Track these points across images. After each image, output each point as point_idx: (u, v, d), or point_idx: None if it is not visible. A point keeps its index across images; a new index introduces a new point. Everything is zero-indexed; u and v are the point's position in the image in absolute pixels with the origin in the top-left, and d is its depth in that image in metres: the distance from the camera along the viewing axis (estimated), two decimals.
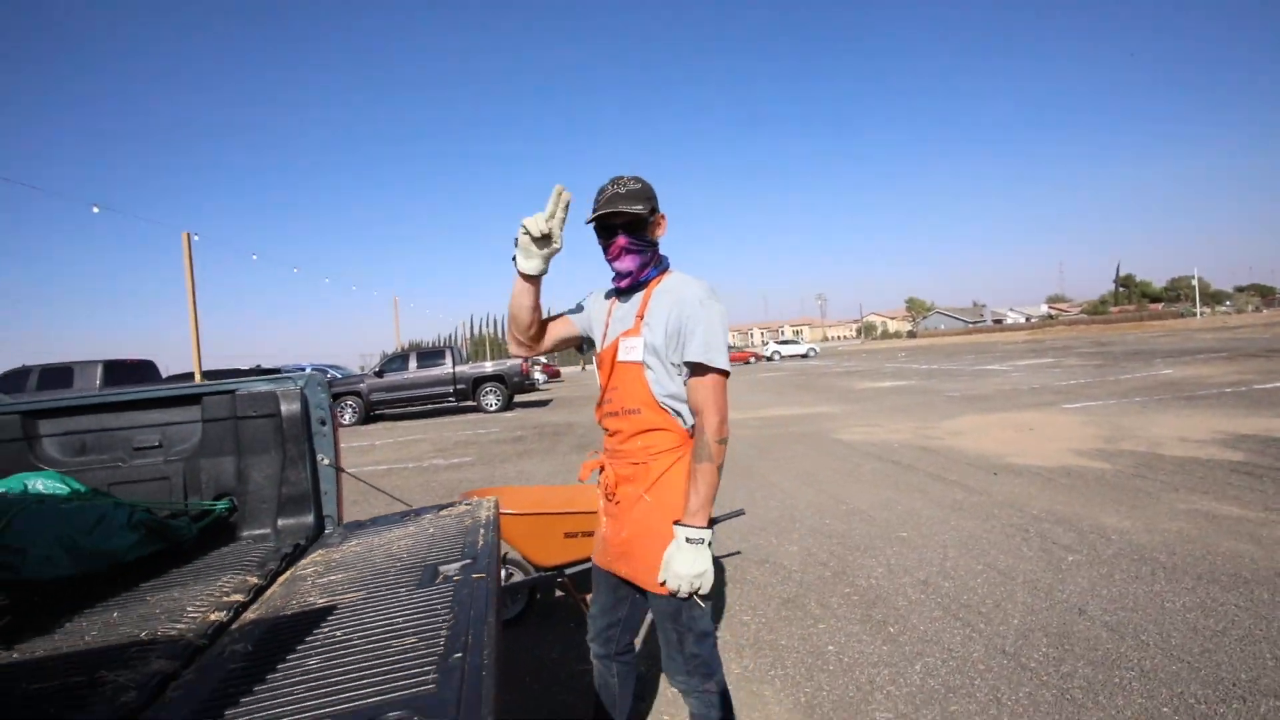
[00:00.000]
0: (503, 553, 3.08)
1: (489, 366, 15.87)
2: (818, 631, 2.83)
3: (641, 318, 1.64)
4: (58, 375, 11.51)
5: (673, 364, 1.60)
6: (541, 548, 2.92)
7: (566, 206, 1.54)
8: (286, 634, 1.22)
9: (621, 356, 1.66)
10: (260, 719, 0.91)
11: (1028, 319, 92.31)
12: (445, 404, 15.88)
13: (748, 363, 41.53)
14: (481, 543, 1.64)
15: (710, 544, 1.53)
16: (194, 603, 1.47)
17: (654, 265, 1.69)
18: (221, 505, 2.10)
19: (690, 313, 1.58)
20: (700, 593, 1.51)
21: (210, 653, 1.22)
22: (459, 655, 1.01)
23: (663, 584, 1.54)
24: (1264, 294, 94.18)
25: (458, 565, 1.48)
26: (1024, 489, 4.97)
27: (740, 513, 3.23)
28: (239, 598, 1.49)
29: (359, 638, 1.15)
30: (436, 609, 1.23)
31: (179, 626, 1.33)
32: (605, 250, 1.67)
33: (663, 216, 1.71)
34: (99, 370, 11.65)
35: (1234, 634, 2.56)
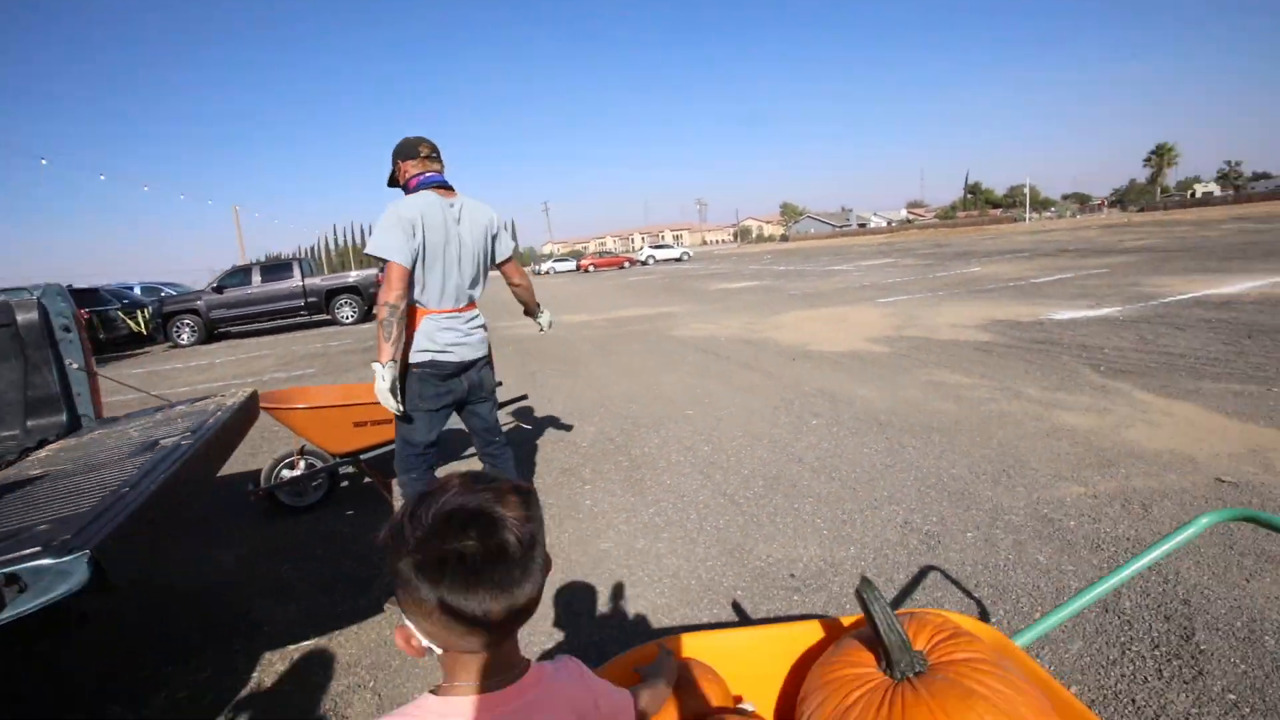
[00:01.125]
0: (300, 445, 3.31)
1: (352, 277, 15.23)
2: (582, 492, 3.35)
3: None
4: None
5: None
6: (333, 437, 3.17)
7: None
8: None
9: None
10: None
11: (889, 223, 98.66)
12: (297, 319, 15.16)
13: (621, 268, 42.01)
14: (210, 421, 1.89)
15: (383, 377, 2.05)
16: None
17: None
18: None
19: None
20: (388, 408, 2.07)
21: None
22: (126, 489, 1.29)
23: None
24: (1082, 201, 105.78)
25: (177, 438, 1.73)
26: (809, 371, 5.76)
27: (523, 397, 3.64)
28: None
29: (52, 493, 1.40)
30: (136, 465, 1.49)
31: None
32: None
33: (396, 163, 2.34)
34: None
35: (897, 467, 3.31)
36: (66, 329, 2.27)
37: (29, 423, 2.19)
